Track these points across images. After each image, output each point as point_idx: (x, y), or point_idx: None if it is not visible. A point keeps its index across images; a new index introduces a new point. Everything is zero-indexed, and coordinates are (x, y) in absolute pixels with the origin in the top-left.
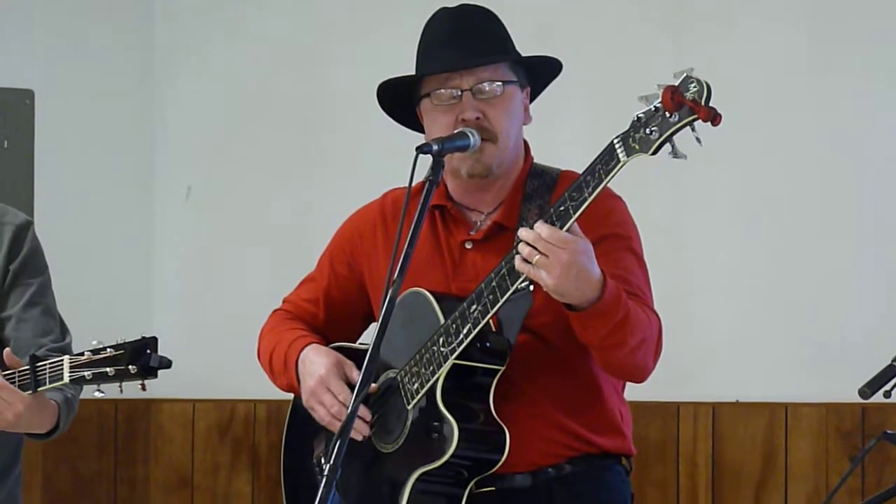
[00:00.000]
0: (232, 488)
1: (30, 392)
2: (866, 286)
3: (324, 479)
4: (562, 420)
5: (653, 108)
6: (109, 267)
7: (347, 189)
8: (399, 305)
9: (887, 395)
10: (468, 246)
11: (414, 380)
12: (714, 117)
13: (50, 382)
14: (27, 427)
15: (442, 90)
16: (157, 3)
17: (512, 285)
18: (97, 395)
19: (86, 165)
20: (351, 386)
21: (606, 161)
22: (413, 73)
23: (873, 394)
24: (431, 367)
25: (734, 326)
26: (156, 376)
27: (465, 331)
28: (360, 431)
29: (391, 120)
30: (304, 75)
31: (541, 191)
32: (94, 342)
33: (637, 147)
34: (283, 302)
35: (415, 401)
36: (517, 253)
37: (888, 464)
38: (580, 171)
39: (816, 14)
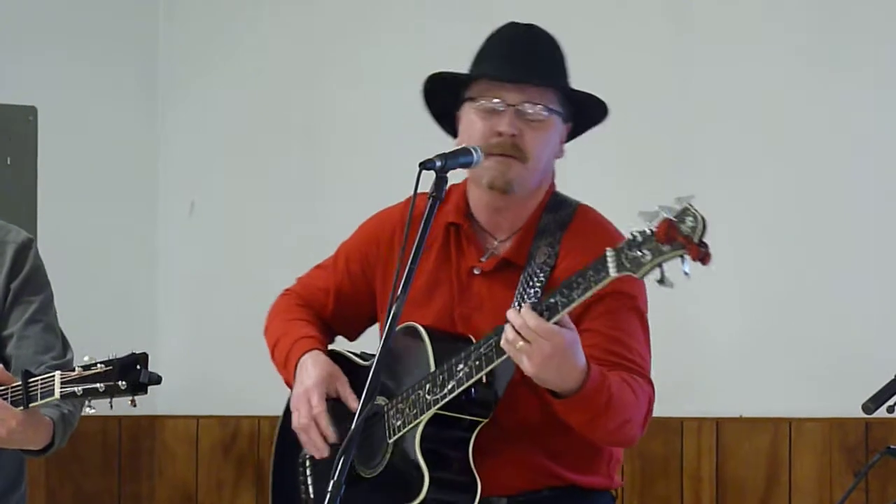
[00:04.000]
0: None
1: (22, 408)
2: (870, 301)
3: (328, 497)
4: (545, 463)
5: (648, 232)
6: (113, 283)
7: (352, 204)
8: (397, 337)
9: (891, 410)
10: (476, 272)
11: (398, 416)
12: (703, 257)
13: (41, 398)
14: (20, 443)
15: (488, 98)
16: (161, 21)
17: (497, 358)
18: (88, 410)
19: (89, 182)
20: (335, 400)
21: (598, 270)
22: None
23: (877, 409)
24: (415, 411)
25: (738, 342)
26: (146, 392)
27: (449, 386)
28: (319, 450)
29: (395, 136)
30: (308, 92)
31: (553, 227)
32: (86, 358)
33: (627, 266)
34: (296, 281)
35: (395, 437)
36: (504, 333)
37: (892, 478)
38: (595, 208)
39: (832, 18)
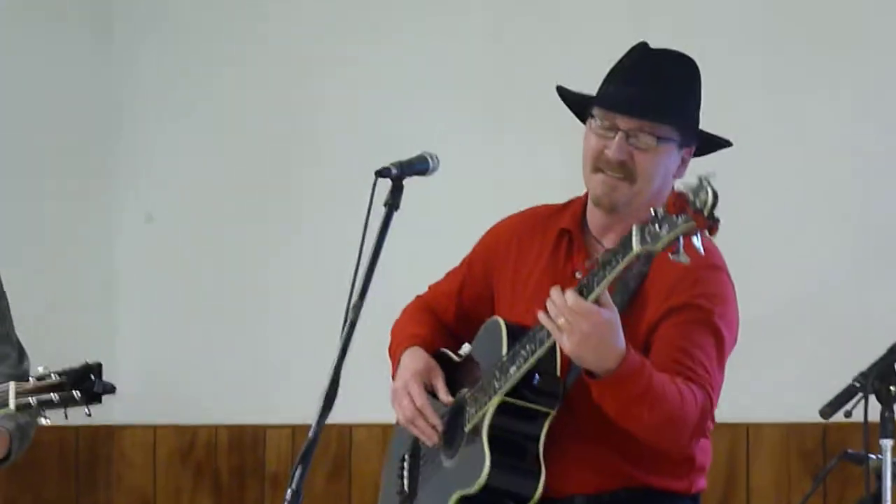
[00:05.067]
0: None
1: None
2: (827, 308)
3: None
4: (621, 465)
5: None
6: (70, 291)
7: (314, 217)
8: (485, 328)
9: (848, 414)
10: (578, 276)
11: (473, 405)
12: (711, 228)
13: None
14: None
15: (604, 121)
16: (116, 20)
17: (547, 340)
18: (43, 421)
19: (44, 187)
20: (431, 392)
21: (625, 246)
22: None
23: (834, 413)
24: (485, 398)
25: None
26: (100, 402)
27: (511, 370)
28: (429, 438)
29: (354, 146)
30: (271, 105)
31: None
32: (40, 368)
33: (649, 241)
34: (428, 289)
35: (470, 425)
36: (546, 311)
37: (850, 482)
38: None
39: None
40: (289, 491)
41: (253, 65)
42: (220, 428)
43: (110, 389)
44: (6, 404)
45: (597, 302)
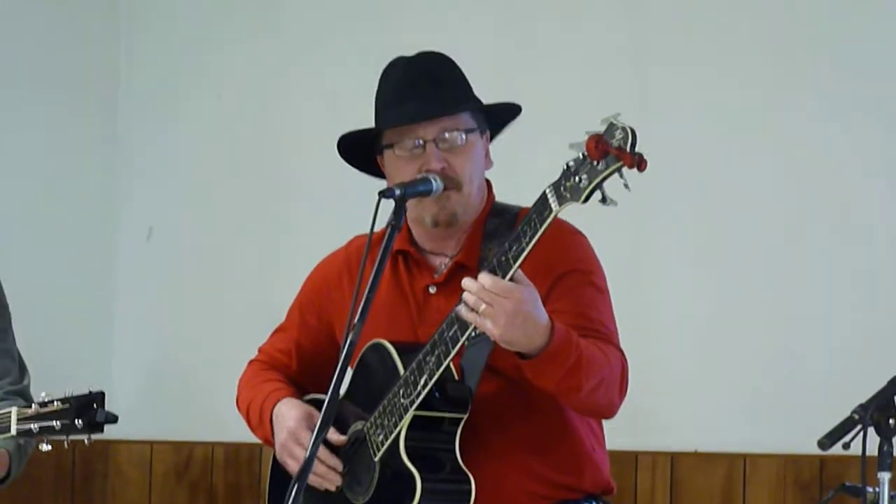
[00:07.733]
0: None
1: None
2: (826, 336)
3: None
4: (533, 466)
5: (580, 157)
6: (69, 306)
7: (315, 234)
8: (363, 357)
9: (846, 446)
10: (432, 290)
11: (379, 432)
12: (639, 163)
13: None
14: None
15: (405, 141)
16: (122, 55)
17: (462, 335)
18: (43, 447)
19: (46, 201)
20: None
21: (540, 211)
22: (372, 123)
23: (832, 445)
24: (394, 419)
25: (693, 375)
26: (102, 431)
27: (421, 382)
28: (332, 482)
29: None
30: (272, 117)
31: (501, 229)
32: (43, 395)
33: (568, 196)
34: (258, 352)
35: (381, 452)
36: (463, 303)
37: None
38: None
39: (775, 54)
40: None
41: (249, 75)
42: (217, 445)
43: (112, 419)
44: (8, 430)
45: (512, 279)
